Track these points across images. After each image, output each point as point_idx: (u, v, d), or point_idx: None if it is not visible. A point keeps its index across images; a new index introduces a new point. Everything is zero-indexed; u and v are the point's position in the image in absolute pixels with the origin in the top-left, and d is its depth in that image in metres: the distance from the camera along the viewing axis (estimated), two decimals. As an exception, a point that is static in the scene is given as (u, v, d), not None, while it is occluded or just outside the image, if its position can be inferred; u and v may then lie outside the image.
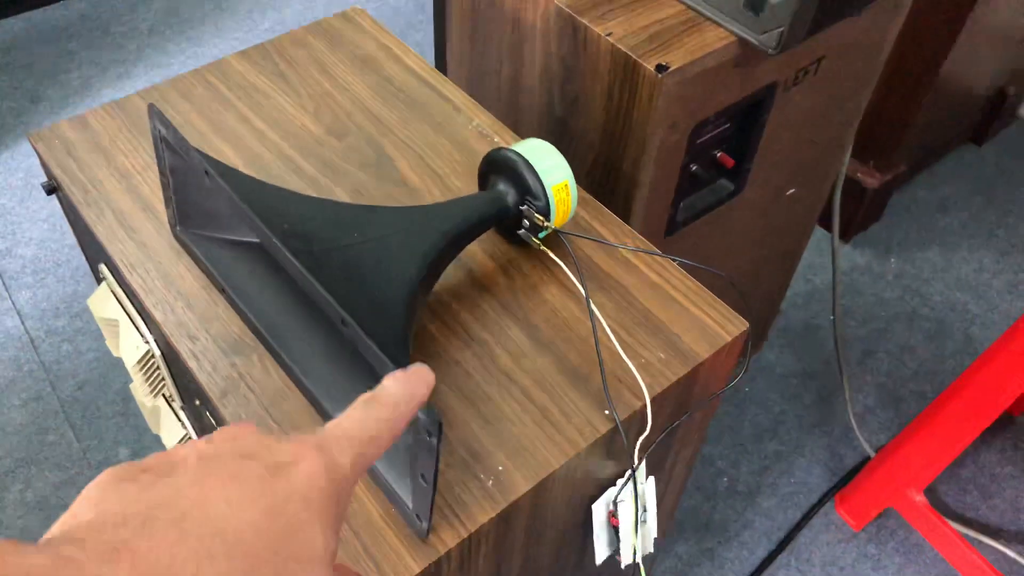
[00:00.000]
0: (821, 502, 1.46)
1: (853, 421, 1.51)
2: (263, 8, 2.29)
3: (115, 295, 0.74)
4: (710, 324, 0.64)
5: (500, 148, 0.66)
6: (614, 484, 0.65)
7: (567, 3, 0.90)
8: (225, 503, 0.26)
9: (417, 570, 0.53)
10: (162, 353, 0.72)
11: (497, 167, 0.67)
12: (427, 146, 0.79)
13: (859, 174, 1.71)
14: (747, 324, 0.63)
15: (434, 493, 0.50)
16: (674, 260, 0.68)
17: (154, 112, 0.61)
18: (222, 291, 0.66)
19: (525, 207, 0.65)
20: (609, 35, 0.87)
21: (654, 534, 0.67)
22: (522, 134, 0.93)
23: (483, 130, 0.81)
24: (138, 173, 0.75)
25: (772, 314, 1.59)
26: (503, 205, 0.65)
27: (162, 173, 0.66)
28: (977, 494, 1.48)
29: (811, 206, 1.34)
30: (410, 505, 0.54)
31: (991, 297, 1.75)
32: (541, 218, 0.64)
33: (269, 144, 0.78)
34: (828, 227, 1.63)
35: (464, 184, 0.75)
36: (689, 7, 0.90)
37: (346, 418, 0.33)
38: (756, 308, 1.50)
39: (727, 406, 1.57)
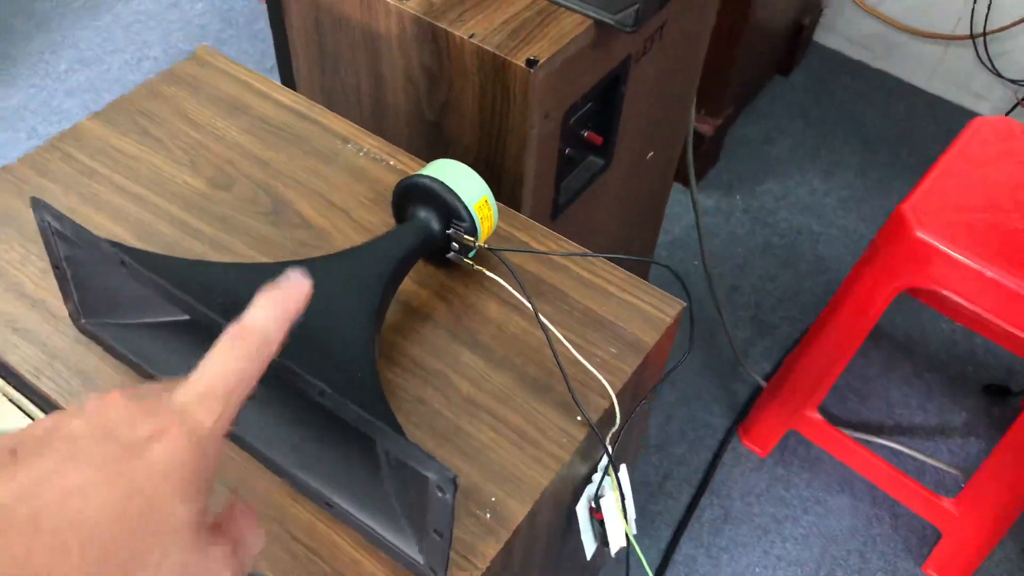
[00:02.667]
0: (727, 439, 1.54)
1: (738, 356, 1.60)
2: (55, 47, 2.11)
3: (20, 408, 0.68)
4: (649, 310, 0.66)
5: (412, 176, 0.65)
6: (590, 481, 0.66)
7: (422, 11, 0.88)
8: (81, 492, 0.27)
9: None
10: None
11: (414, 196, 0.65)
12: (322, 182, 0.76)
13: (695, 123, 1.79)
14: (683, 303, 0.66)
15: (450, 548, 0.49)
16: (605, 258, 0.69)
17: (41, 205, 0.55)
18: (150, 378, 0.62)
19: (452, 231, 0.64)
20: (472, 37, 0.86)
21: (634, 516, 0.68)
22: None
23: (375, 155, 0.79)
24: (15, 269, 0.69)
25: (646, 274, 1.65)
26: (430, 233, 0.64)
27: (56, 266, 0.60)
28: (854, 399, 1.60)
29: (668, 164, 1.40)
30: (416, 556, 0.52)
31: (828, 215, 1.89)
32: (470, 239, 0.64)
33: (154, 209, 0.73)
34: (679, 180, 1.70)
35: (372, 216, 0.73)
36: (544, -3, 0.91)
37: (210, 365, 0.32)
38: (632, 270, 1.55)
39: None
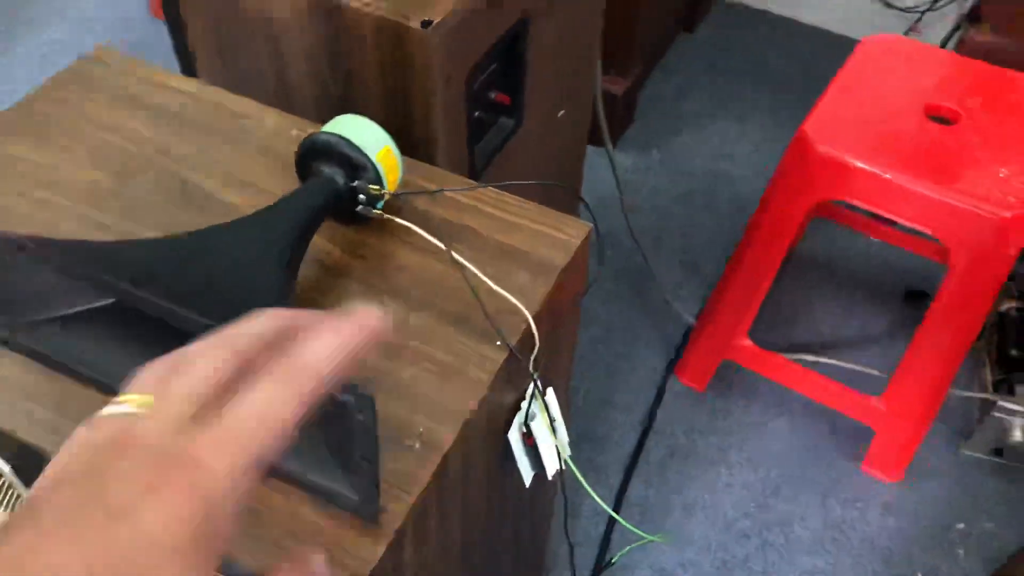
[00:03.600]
0: (665, 379, 1.57)
1: (669, 299, 1.62)
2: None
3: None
4: (557, 235, 0.67)
5: (312, 134, 0.65)
6: (519, 408, 0.66)
7: (310, -12, 0.88)
8: (63, 569, 0.23)
9: (380, 553, 0.52)
10: (15, 467, 0.65)
11: (316, 153, 0.65)
12: (228, 160, 0.75)
13: (606, 84, 1.80)
14: (589, 225, 0.67)
15: (379, 474, 0.50)
16: (498, 187, 0.69)
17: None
18: (72, 372, 0.60)
19: (357, 183, 0.64)
20: (366, 5, 0.86)
21: (567, 438, 0.69)
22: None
23: (278, 129, 0.78)
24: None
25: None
26: (335, 187, 0.64)
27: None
28: (782, 322, 1.64)
29: (580, 124, 1.41)
30: (348, 492, 0.52)
31: (743, 158, 1.92)
32: (376, 188, 0.64)
33: (58, 211, 0.71)
34: (595, 142, 1.71)
35: (281, 183, 0.73)
36: (429, -38, 0.90)
37: (243, 402, 0.26)
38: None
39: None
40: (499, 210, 0.69)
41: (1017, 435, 1.38)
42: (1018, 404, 1.37)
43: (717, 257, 1.74)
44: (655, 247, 1.75)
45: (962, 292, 1.15)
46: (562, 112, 1.27)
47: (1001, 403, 1.38)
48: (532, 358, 0.63)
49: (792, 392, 1.52)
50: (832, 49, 2.14)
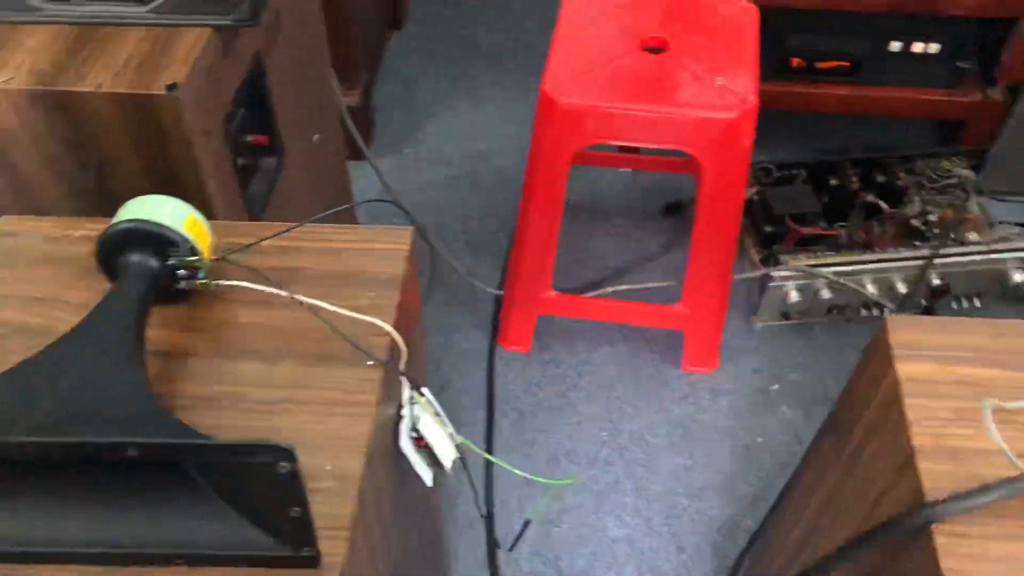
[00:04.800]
0: (492, 353, 1.62)
1: (468, 280, 1.66)
2: None
3: None
4: (385, 247, 0.68)
5: (110, 226, 0.62)
6: (401, 417, 0.68)
7: (32, 83, 0.82)
8: None
9: (328, 593, 0.53)
10: None
11: (119, 245, 0.62)
12: (13, 284, 0.69)
13: (344, 98, 1.81)
14: (410, 228, 0.69)
15: (311, 518, 0.50)
16: (309, 222, 0.70)
17: None
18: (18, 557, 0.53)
19: (172, 261, 0.62)
20: (100, 87, 0.82)
21: (451, 428, 0.72)
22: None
23: (53, 236, 0.73)
24: None
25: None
26: (152, 272, 0.62)
27: None
28: (575, 266, 1.74)
29: (335, 143, 1.41)
30: (284, 551, 0.52)
31: (490, 134, 1.99)
32: (193, 259, 0.62)
33: None
34: (355, 156, 1.71)
35: (88, 291, 0.68)
36: (151, 26, 0.87)
37: None
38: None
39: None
40: (320, 242, 0.69)
41: (794, 296, 1.57)
42: (786, 271, 1.56)
43: (496, 229, 1.81)
44: (440, 237, 1.79)
45: (717, 190, 1.29)
46: (317, 136, 1.27)
47: (773, 274, 1.57)
48: (403, 365, 0.64)
49: (605, 324, 1.63)
50: (537, 10, 2.27)
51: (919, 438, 0.57)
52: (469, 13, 2.30)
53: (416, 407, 0.68)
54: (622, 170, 1.87)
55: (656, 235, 1.80)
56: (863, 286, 1.56)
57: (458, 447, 0.71)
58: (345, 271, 0.67)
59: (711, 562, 1.37)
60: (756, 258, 1.64)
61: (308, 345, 0.63)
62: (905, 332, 0.62)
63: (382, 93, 2.08)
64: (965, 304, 1.62)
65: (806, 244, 1.61)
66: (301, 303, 0.62)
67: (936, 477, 0.55)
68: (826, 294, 1.56)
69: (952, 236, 1.62)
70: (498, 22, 2.27)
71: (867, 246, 1.60)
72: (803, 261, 1.56)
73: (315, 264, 0.68)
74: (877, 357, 0.63)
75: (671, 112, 1.19)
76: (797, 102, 1.75)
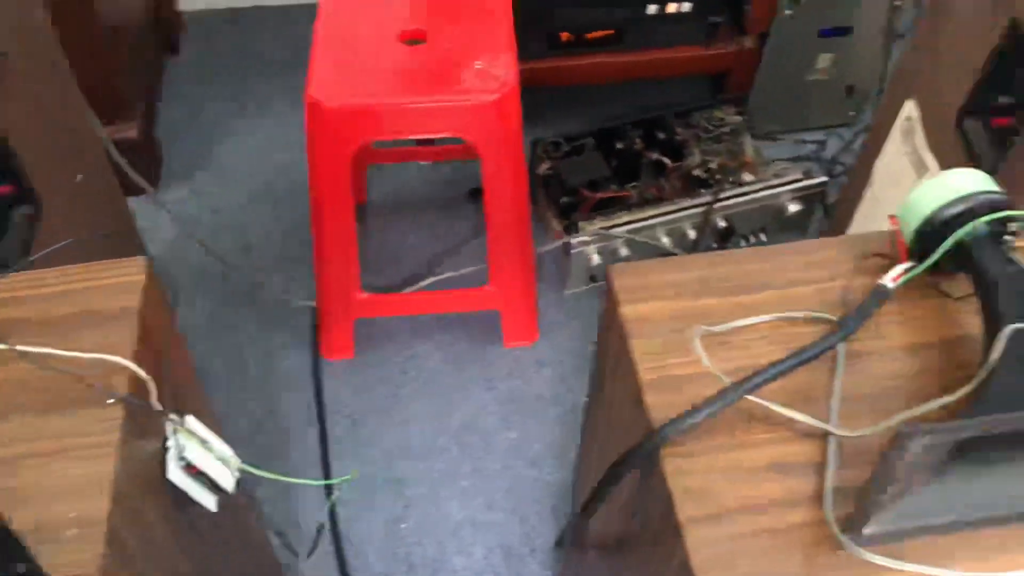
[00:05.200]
0: (316, 366, 1.60)
1: (280, 297, 1.64)
2: None
3: None
4: (118, 282, 0.67)
5: None
6: (167, 448, 0.67)
7: None
8: None
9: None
10: None
11: None
12: None
13: (116, 133, 1.73)
14: (145, 257, 0.67)
15: (38, 568, 0.48)
16: (58, 270, 0.67)
17: None
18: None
19: None
20: None
21: (230, 451, 0.71)
22: None
23: None
24: None
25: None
26: None
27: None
28: (388, 265, 1.75)
29: (105, 180, 1.35)
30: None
31: (295, 147, 1.91)
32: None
33: None
34: (136, 192, 1.64)
35: None
36: None
37: None
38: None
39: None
40: (42, 289, 0.67)
41: (596, 259, 1.64)
42: (584, 236, 1.62)
43: (305, 241, 1.79)
44: (248, 258, 1.76)
45: (497, 169, 1.33)
46: (80, 176, 1.21)
47: (572, 242, 1.63)
48: (153, 396, 0.63)
49: (425, 317, 1.65)
50: (310, 17, 2.24)
51: (645, 374, 0.62)
52: (249, 28, 2.25)
53: (181, 436, 0.67)
54: (422, 163, 1.89)
55: (465, 221, 1.83)
56: (657, 239, 1.65)
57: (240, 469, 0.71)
58: (73, 312, 0.65)
59: (552, 526, 1.42)
60: (558, 229, 1.70)
61: (39, 396, 0.61)
62: (628, 278, 0.66)
63: (167, 121, 2.00)
64: (752, 240, 1.74)
65: (602, 209, 1.68)
66: (23, 354, 0.60)
67: (661, 407, 0.60)
68: (624, 251, 1.64)
69: (731, 180, 1.73)
70: (281, 34, 2.23)
71: (659, 202, 1.69)
72: (598, 224, 1.63)
73: (40, 312, 0.65)
74: (608, 305, 0.68)
75: (436, 101, 1.21)
76: (574, 75, 1.82)
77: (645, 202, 1.69)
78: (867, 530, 0.53)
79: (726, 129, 1.80)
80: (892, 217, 0.68)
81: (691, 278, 0.68)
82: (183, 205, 1.83)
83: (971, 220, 0.62)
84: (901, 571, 0.53)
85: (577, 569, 0.98)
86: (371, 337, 1.64)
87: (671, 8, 1.74)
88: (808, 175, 1.71)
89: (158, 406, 0.63)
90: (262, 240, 1.80)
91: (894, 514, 0.53)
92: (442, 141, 1.77)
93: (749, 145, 1.80)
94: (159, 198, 1.46)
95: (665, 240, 1.65)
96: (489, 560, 1.39)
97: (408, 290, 1.65)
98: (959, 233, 0.62)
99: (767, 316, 0.64)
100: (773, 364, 0.59)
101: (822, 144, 1.91)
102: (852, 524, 0.53)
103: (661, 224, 1.64)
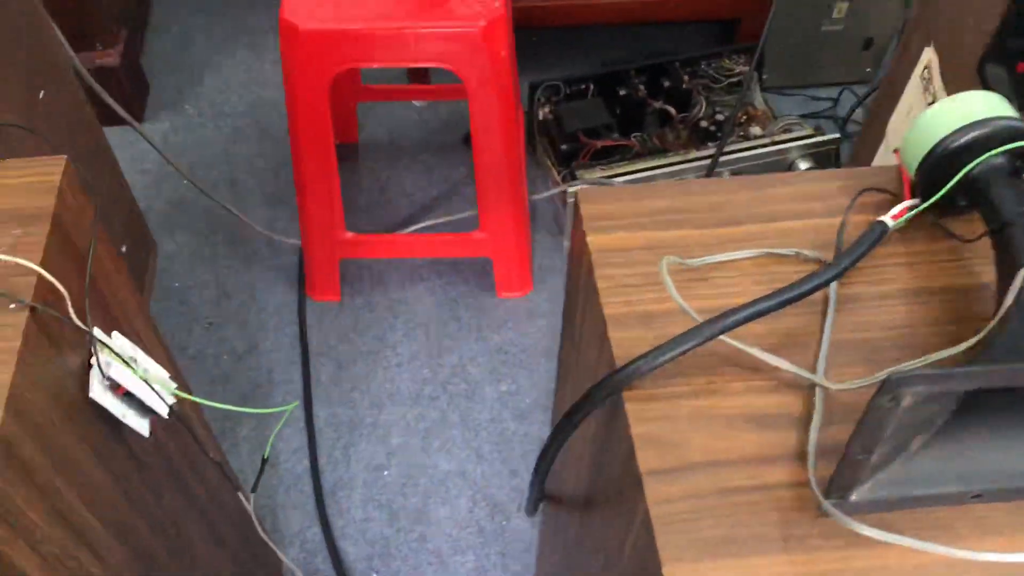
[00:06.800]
0: (301, 305, 1.54)
1: (265, 234, 1.58)
2: None
3: None
4: (30, 181, 0.60)
5: None
6: (91, 366, 0.61)
7: None
8: None
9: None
10: None
11: None
12: None
13: (98, 59, 1.65)
14: (62, 157, 0.61)
15: None
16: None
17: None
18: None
19: None
20: None
21: (165, 373, 0.65)
22: None
23: None
24: None
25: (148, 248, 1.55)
26: None
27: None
28: (379, 207, 1.68)
29: (74, 106, 1.27)
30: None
31: (272, 80, 1.88)
32: None
33: None
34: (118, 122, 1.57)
35: None
36: None
37: None
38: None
39: (166, 316, 1.53)
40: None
41: (590, 208, 1.57)
42: (581, 184, 1.55)
43: (291, 180, 1.72)
44: (234, 194, 1.69)
45: (484, 106, 1.24)
46: (42, 93, 1.14)
47: (571, 190, 1.55)
48: (70, 311, 0.57)
49: (417, 263, 1.59)
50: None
51: (610, 307, 0.55)
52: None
53: (105, 355, 0.60)
54: (417, 103, 1.81)
55: (459, 166, 1.75)
56: (658, 191, 1.57)
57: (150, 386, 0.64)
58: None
59: (536, 480, 1.36)
60: (556, 177, 1.63)
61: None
62: (597, 204, 0.59)
63: (154, 51, 1.93)
64: (757, 197, 1.66)
65: (603, 157, 1.60)
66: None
67: (626, 344, 0.53)
68: (623, 203, 1.56)
69: (740, 133, 1.64)
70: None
71: (662, 152, 1.61)
72: (597, 173, 1.55)
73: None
74: (575, 234, 0.61)
75: (419, 27, 1.13)
76: (573, 14, 1.73)
77: (648, 152, 1.61)
78: (855, 496, 0.46)
79: (735, 79, 1.71)
80: (896, 151, 0.60)
81: (668, 206, 0.60)
82: (168, 136, 1.77)
83: (985, 151, 0.54)
84: (892, 544, 0.46)
85: (554, 528, 0.93)
86: (361, 280, 1.58)
87: (682, -53, 1.64)
88: (819, 132, 1.62)
89: (75, 318, 0.57)
90: (248, 176, 1.73)
91: (887, 479, 0.45)
92: (439, 79, 1.69)
93: (759, 97, 1.71)
94: (145, 128, 1.38)
95: (666, 192, 1.58)
96: (474, 513, 1.34)
97: (400, 232, 1.59)
98: (971, 165, 0.54)
99: (751, 251, 0.57)
100: (754, 301, 0.51)
101: (835, 101, 1.82)
102: (837, 487, 0.46)
103: (664, 176, 1.56)
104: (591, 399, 0.52)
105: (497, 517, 1.34)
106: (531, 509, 0.77)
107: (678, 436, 0.50)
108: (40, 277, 0.55)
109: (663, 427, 0.50)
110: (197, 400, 0.64)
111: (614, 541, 0.56)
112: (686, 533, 0.46)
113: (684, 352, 0.50)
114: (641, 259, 0.57)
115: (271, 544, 0.84)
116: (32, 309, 0.53)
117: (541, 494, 0.75)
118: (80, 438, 0.59)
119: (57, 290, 0.56)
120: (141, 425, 0.64)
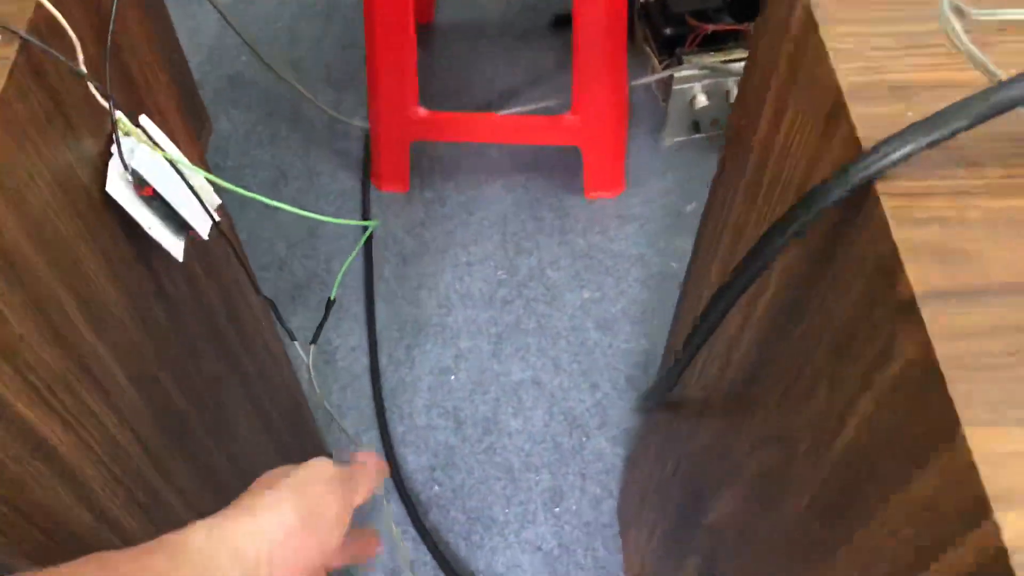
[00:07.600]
0: (365, 194, 1.39)
1: (330, 115, 1.43)
2: None
3: None
4: None
5: None
6: (111, 154, 0.45)
7: None
8: None
9: None
10: None
11: None
12: None
13: None
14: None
15: None
16: None
17: None
18: None
19: None
20: None
21: (203, 179, 0.49)
22: None
23: None
24: None
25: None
26: None
27: None
28: (456, 91, 1.51)
29: None
30: None
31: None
32: None
33: None
34: None
35: None
36: None
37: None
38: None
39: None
40: None
41: (702, 100, 1.37)
42: (690, 69, 1.35)
43: (360, 60, 1.56)
44: (297, 74, 1.53)
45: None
46: None
47: (677, 75, 1.35)
48: (80, 61, 0.41)
49: (492, 150, 1.42)
50: None
51: (848, 76, 0.37)
52: None
53: (130, 140, 0.45)
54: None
55: (546, 52, 1.57)
56: (777, 81, 1.37)
57: (219, 209, 0.49)
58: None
59: (628, 398, 1.20)
60: (657, 65, 1.43)
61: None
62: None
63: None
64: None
65: (712, 44, 1.40)
66: None
67: (873, 122, 0.35)
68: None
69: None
70: None
71: (780, 40, 1.40)
72: (708, 59, 1.35)
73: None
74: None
75: None
76: None
77: (765, 40, 1.40)
78: None
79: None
80: None
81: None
82: (229, 10, 1.61)
83: None
84: None
85: (663, 444, 0.76)
86: (432, 172, 1.42)
87: None
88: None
89: (83, 69, 0.41)
90: (314, 56, 1.57)
91: None
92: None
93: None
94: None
95: (786, 83, 1.37)
96: (550, 427, 1.18)
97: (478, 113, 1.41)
98: None
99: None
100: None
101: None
102: None
103: (783, 63, 1.35)
104: (826, 192, 0.34)
105: (576, 433, 1.18)
106: (659, 399, 0.61)
107: (970, 246, 0.32)
108: (46, 11, 0.39)
109: (946, 233, 0.33)
110: (255, 196, 0.48)
111: (817, 421, 0.39)
112: (996, 383, 0.29)
113: (977, 123, 0.32)
114: (892, 14, 0.39)
115: (331, 413, 0.68)
116: (24, 43, 0.38)
117: (675, 381, 0.58)
118: (92, 247, 0.44)
119: (61, 28, 0.40)
120: (175, 245, 0.49)
